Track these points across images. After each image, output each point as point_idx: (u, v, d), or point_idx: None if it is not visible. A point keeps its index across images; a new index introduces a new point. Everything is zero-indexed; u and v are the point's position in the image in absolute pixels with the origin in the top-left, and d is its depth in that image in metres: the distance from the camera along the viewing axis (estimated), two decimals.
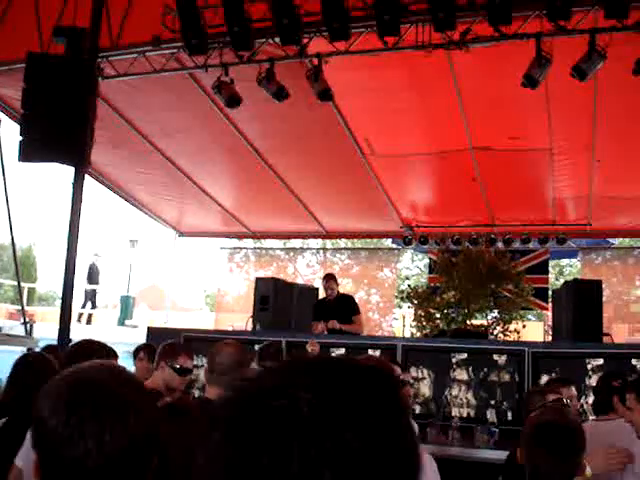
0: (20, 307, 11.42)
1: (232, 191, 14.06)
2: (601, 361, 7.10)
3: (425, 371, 7.70)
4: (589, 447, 2.98)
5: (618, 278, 14.09)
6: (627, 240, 16.94)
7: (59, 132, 7.71)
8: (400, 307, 17.13)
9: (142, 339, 8.83)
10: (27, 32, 8.44)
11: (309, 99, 8.39)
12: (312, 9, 7.43)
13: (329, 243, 18.69)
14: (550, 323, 10.50)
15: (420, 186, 12.89)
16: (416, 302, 11.03)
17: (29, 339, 10.19)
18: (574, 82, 7.16)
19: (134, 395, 1.34)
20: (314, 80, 7.95)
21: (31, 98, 7.81)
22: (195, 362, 8.14)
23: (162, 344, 4.71)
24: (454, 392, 7.57)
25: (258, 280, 10.44)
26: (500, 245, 13.10)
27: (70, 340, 7.99)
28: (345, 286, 14.86)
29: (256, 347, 6.90)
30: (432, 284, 13.20)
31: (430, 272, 14.90)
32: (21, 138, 7.79)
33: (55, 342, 7.92)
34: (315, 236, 15.93)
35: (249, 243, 17.33)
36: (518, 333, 10.55)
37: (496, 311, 11.10)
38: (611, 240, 14.71)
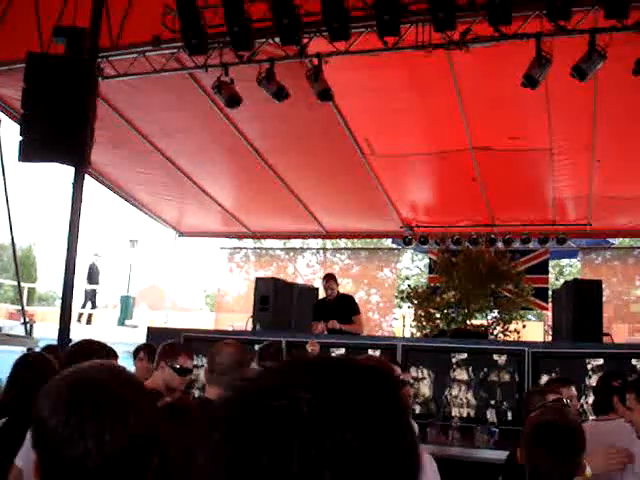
0: (20, 307, 11.42)
1: (232, 191, 14.06)
2: (601, 361, 7.11)
3: (425, 371, 7.70)
4: (589, 447, 2.97)
5: (618, 278, 14.09)
6: (627, 240, 16.94)
7: (59, 132, 7.71)
8: (400, 307, 17.13)
9: (142, 339, 8.83)
10: (27, 32, 8.45)
11: (309, 99, 8.39)
12: (312, 9, 7.43)
13: (329, 243, 18.71)
14: (550, 323, 10.50)
15: (420, 186, 12.90)
16: (416, 302, 11.03)
17: (29, 339, 10.19)
18: (574, 82, 7.16)
19: (134, 395, 1.34)
20: (314, 80, 7.96)
21: (31, 98, 7.81)
22: (195, 362, 8.15)
23: (162, 344, 4.71)
24: (454, 392, 7.57)
25: (258, 280, 10.44)
26: (500, 245, 13.10)
27: (70, 340, 7.99)
28: (345, 286, 14.86)
29: (256, 347, 6.91)
30: (432, 284, 13.20)
31: (430, 272, 14.90)
32: (21, 138, 7.80)
33: (55, 342, 7.92)
34: (315, 236, 15.94)
35: (249, 243, 17.34)
36: (518, 333, 10.55)
37: (496, 311, 11.10)
38: (611, 240, 14.71)
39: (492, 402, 7.40)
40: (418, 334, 10.86)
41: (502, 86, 8.58)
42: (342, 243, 20.19)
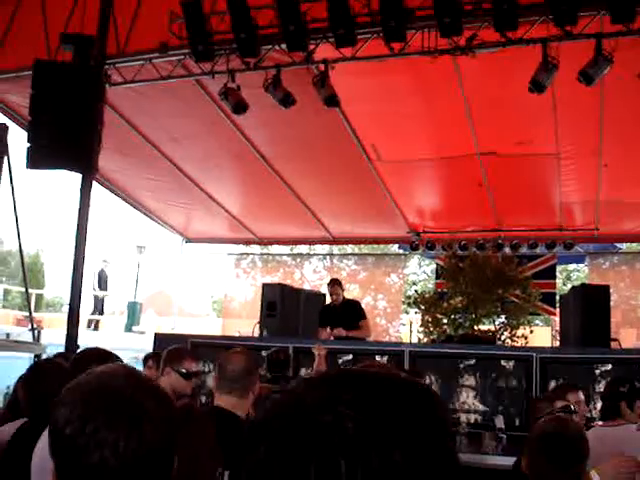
0: (28, 313, 11.43)
1: (239, 197, 14.08)
2: (609, 366, 7.08)
3: (432, 377, 7.69)
4: (597, 452, 2.97)
5: (626, 283, 14.04)
6: (634, 245, 16.86)
7: (66, 139, 7.74)
8: (407, 313, 17.12)
9: (149, 345, 8.84)
10: (35, 39, 8.50)
11: (315, 105, 8.40)
12: (318, 15, 7.45)
13: (336, 249, 18.67)
14: (558, 328, 10.47)
15: (427, 191, 12.89)
16: (423, 307, 11.02)
17: (37, 345, 10.19)
18: (581, 87, 7.15)
19: (149, 401, 1.33)
20: (320, 86, 7.97)
21: (39, 105, 7.84)
22: (202, 368, 8.17)
23: (166, 350, 4.71)
24: (462, 398, 7.56)
25: (265, 286, 10.44)
26: (507, 250, 13.07)
27: (78, 346, 8.01)
28: (352, 292, 14.85)
29: (263, 353, 6.90)
30: (439, 289, 13.19)
31: (437, 277, 14.88)
32: (29, 145, 7.83)
33: (64, 349, 7.94)
34: (322, 242, 15.93)
35: (256, 249, 17.34)
36: (526, 338, 10.53)
37: (503, 316, 11.07)
38: (618, 245, 14.66)
39: (500, 408, 7.38)
40: (425, 340, 10.85)
41: (508, 91, 8.58)
42: (349, 249, 20.12)
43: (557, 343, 10.64)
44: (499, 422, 6.97)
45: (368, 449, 0.78)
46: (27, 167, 7.85)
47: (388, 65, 8.16)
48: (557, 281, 15.08)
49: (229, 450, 2.90)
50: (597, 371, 7.09)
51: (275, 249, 17.36)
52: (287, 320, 9.72)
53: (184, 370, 4.42)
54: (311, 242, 16.42)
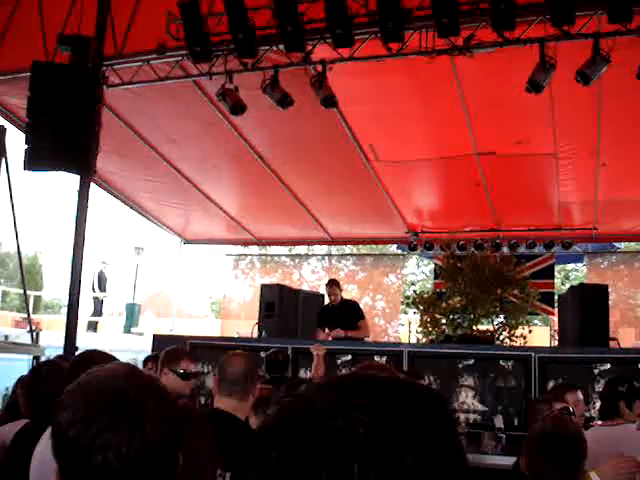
0: (26, 315, 11.43)
1: (237, 198, 14.08)
2: (608, 366, 7.09)
3: (431, 377, 7.69)
4: (596, 452, 2.97)
5: (624, 282, 14.05)
6: (633, 244, 16.88)
7: (64, 140, 7.74)
8: (406, 313, 17.14)
9: (148, 347, 8.83)
10: (32, 41, 8.48)
11: (313, 106, 8.40)
12: (316, 16, 7.45)
13: (334, 249, 18.70)
14: (556, 328, 10.48)
15: (425, 192, 12.89)
16: (422, 308, 11.02)
17: (35, 347, 10.20)
18: (578, 87, 7.16)
19: (151, 402, 1.32)
20: (318, 87, 7.97)
21: (36, 107, 7.84)
22: (200, 369, 8.16)
23: (164, 351, 4.71)
24: (461, 398, 7.56)
25: (263, 287, 10.45)
26: (505, 250, 13.07)
27: (76, 348, 8.00)
28: (350, 292, 14.85)
29: (262, 354, 6.90)
30: (438, 289, 13.18)
31: (436, 277, 14.88)
32: (26, 147, 7.83)
33: (62, 351, 7.94)
34: (320, 242, 15.93)
35: (254, 250, 17.34)
36: (524, 338, 10.53)
37: (502, 316, 11.07)
38: (617, 244, 14.67)
39: (499, 408, 7.39)
40: (424, 340, 10.85)
41: (506, 91, 8.58)
42: (347, 249, 20.16)
43: (556, 343, 10.65)
44: (498, 422, 6.97)
45: (380, 453, 0.78)
46: (25, 169, 7.84)
47: (386, 65, 8.16)
48: (555, 281, 15.08)
49: (230, 452, 2.90)
50: (596, 370, 7.10)
51: (273, 250, 17.36)
52: (286, 321, 9.72)
53: (182, 370, 4.42)
54: (309, 243, 16.43)
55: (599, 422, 4.81)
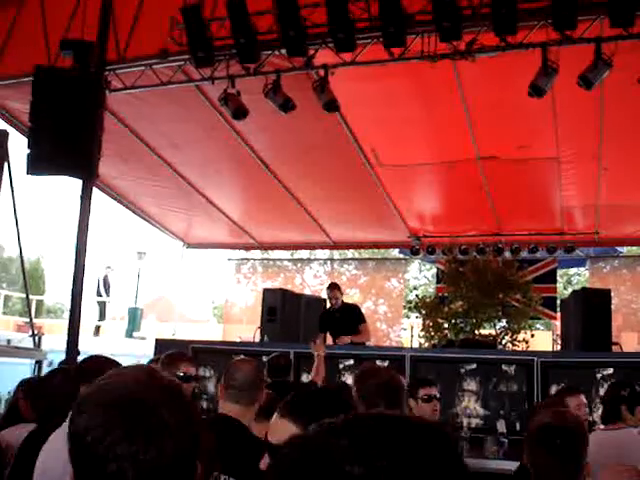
0: (28, 319, 11.45)
1: (239, 202, 14.09)
2: (611, 370, 7.07)
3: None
4: (598, 456, 2.96)
5: (626, 286, 14.04)
6: (635, 248, 16.89)
7: (67, 145, 7.75)
8: (408, 317, 17.09)
9: (150, 351, 8.84)
10: (35, 45, 8.50)
11: (315, 110, 8.40)
12: (318, 21, 7.45)
13: (336, 254, 18.68)
14: (559, 332, 10.46)
15: (427, 196, 12.89)
16: (424, 312, 11.01)
17: (37, 351, 10.20)
18: (580, 91, 7.15)
19: (170, 411, 1.30)
20: (320, 91, 7.97)
21: (39, 111, 7.85)
22: (202, 373, 8.16)
23: (164, 354, 4.72)
24: (463, 402, 7.55)
25: (266, 291, 10.44)
26: (508, 254, 13.06)
27: (79, 352, 8.01)
28: (353, 296, 14.86)
29: (264, 358, 6.89)
30: (440, 294, 13.18)
31: (438, 282, 14.89)
32: (29, 151, 7.84)
33: (64, 355, 7.95)
34: (322, 247, 15.93)
35: (256, 254, 17.34)
36: (527, 343, 10.52)
37: (504, 321, 11.07)
38: (619, 248, 14.67)
39: (501, 412, 7.37)
40: (426, 344, 10.84)
41: (508, 96, 8.59)
42: (349, 253, 20.15)
43: (558, 347, 10.63)
44: (500, 426, 6.96)
45: None
46: (27, 173, 7.86)
47: (388, 70, 8.16)
48: (558, 285, 15.09)
49: (235, 457, 2.90)
50: (598, 375, 7.09)
51: (275, 254, 17.37)
52: (288, 325, 9.72)
53: (182, 374, 4.42)
54: (312, 247, 16.44)
55: (601, 426, 4.80)
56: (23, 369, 9.89)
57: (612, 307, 8.85)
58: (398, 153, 10.94)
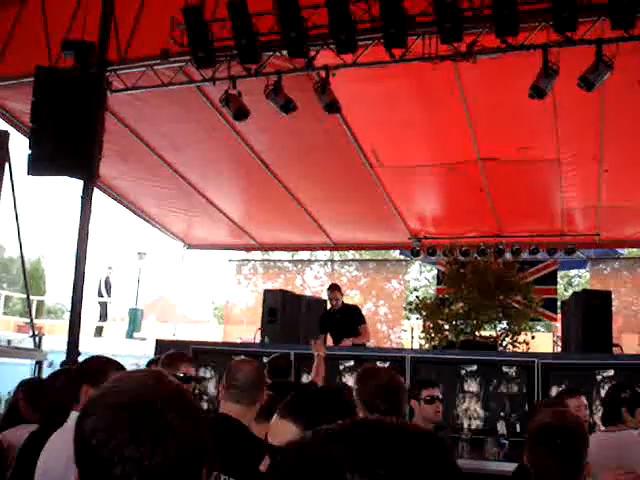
0: (29, 320, 11.45)
1: (240, 203, 14.09)
2: (611, 372, 7.07)
3: None
4: (599, 458, 2.96)
5: (627, 288, 14.03)
6: (635, 250, 16.89)
7: (68, 145, 7.76)
8: (408, 319, 17.10)
9: (150, 351, 8.83)
10: (36, 46, 8.51)
11: (316, 111, 8.41)
12: (319, 22, 7.46)
13: (337, 255, 18.69)
14: (559, 334, 10.45)
15: (428, 197, 12.89)
16: (424, 313, 11.00)
17: (38, 352, 10.20)
18: (581, 93, 7.15)
19: (177, 415, 1.29)
20: (321, 92, 7.97)
21: (40, 112, 7.86)
22: (202, 374, 8.16)
23: (164, 355, 4.72)
24: (463, 404, 7.54)
25: (266, 292, 10.44)
26: (508, 256, 13.05)
27: (79, 353, 8.01)
28: (353, 298, 14.85)
29: (264, 359, 6.89)
30: (440, 295, 13.16)
31: (438, 283, 14.88)
32: (30, 151, 7.84)
33: (65, 356, 7.95)
34: (323, 248, 15.93)
35: (257, 255, 17.35)
36: (527, 344, 10.51)
37: (505, 322, 11.06)
38: (620, 250, 14.66)
39: (502, 414, 7.37)
40: (427, 346, 10.83)
41: (509, 97, 8.59)
42: (350, 255, 20.15)
43: (558, 349, 10.63)
44: (501, 428, 6.95)
45: None
46: (28, 174, 7.86)
47: (389, 71, 8.17)
48: (558, 287, 15.09)
49: (235, 458, 2.90)
50: (599, 377, 7.08)
51: (276, 255, 17.38)
52: (288, 326, 9.72)
53: (181, 374, 4.42)
54: (312, 248, 16.43)
55: (602, 428, 4.80)
56: (23, 369, 9.90)
57: (613, 309, 8.85)
58: (399, 154, 10.94)
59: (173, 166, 11.86)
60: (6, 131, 9.74)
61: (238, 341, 11.66)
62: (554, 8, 6.57)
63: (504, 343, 10.61)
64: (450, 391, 7.58)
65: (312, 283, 16.61)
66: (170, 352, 4.76)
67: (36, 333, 10.71)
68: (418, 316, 11.46)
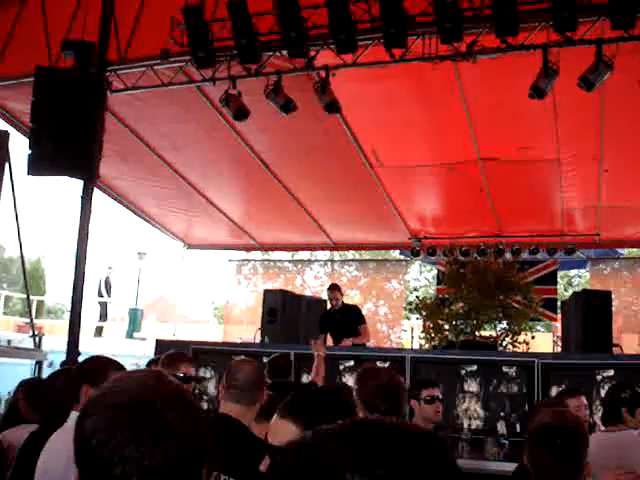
0: (29, 320, 11.45)
1: (240, 203, 14.09)
2: (612, 372, 7.07)
3: None
4: (599, 458, 2.96)
5: (627, 288, 14.04)
6: (635, 250, 16.89)
7: (68, 145, 7.76)
8: (408, 319, 17.10)
9: (150, 351, 8.83)
10: (36, 46, 8.51)
11: (316, 111, 8.41)
12: (319, 22, 7.46)
13: (337, 255, 18.69)
14: (559, 334, 10.45)
15: (428, 197, 12.89)
16: (424, 314, 11.00)
17: (38, 352, 10.20)
18: (581, 93, 7.16)
19: (178, 416, 1.29)
20: (321, 92, 7.97)
21: (40, 112, 7.86)
22: (203, 374, 8.16)
23: (163, 355, 4.72)
24: (463, 404, 7.54)
25: (266, 292, 10.44)
26: (508, 256, 13.05)
27: (79, 353, 8.01)
28: (353, 298, 14.85)
29: (264, 359, 6.89)
30: (440, 295, 13.16)
31: (438, 283, 14.88)
32: (30, 151, 7.84)
33: (65, 356, 7.95)
34: (323, 248, 15.93)
35: (257, 255, 17.35)
36: (527, 344, 10.51)
37: (505, 322, 11.05)
38: (620, 250, 14.66)
39: (502, 414, 7.37)
40: (427, 346, 10.83)
41: (509, 97, 8.59)
42: (350, 255, 20.15)
43: (558, 349, 10.63)
44: (501, 428, 6.95)
45: None
46: (28, 174, 7.86)
47: (389, 71, 8.17)
48: (558, 287, 15.09)
49: (235, 458, 2.90)
50: (599, 377, 7.08)
51: (276, 255, 17.38)
52: (288, 326, 9.71)
53: (181, 374, 4.42)
54: (312, 248, 16.44)
55: (602, 428, 4.80)
56: (23, 369, 9.90)
57: (612, 309, 8.85)
58: (399, 154, 10.94)
59: (173, 166, 11.86)
60: (6, 131, 9.74)
61: (238, 341, 11.66)
62: (554, 8, 6.57)
63: (504, 343, 10.60)
64: (450, 391, 7.57)
65: (312, 283, 16.61)
66: (170, 352, 4.75)
67: (36, 333, 10.71)
68: (418, 316, 11.46)
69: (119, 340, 18.04)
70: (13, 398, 4.66)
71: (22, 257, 10.95)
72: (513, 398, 7.38)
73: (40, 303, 24.49)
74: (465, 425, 7.44)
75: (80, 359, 6.53)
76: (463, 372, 7.60)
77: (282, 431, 2.01)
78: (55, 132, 7.76)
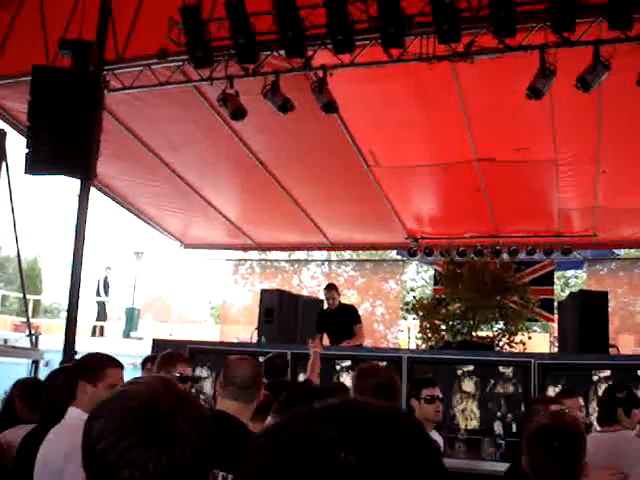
0: (25, 319, 11.44)
1: (237, 203, 14.08)
2: (608, 372, 7.07)
3: None
4: (594, 458, 2.96)
5: (624, 289, 14.06)
6: (632, 251, 16.90)
7: (65, 145, 7.75)
8: (405, 319, 17.11)
9: (147, 351, 8.81)
10: (33, 45, 8.51)
11: (314, 111, 8.41)
12: (317, 21, 7.46)
13: (334, 255, 18.69)
14: (556, 334, 10.46)
15: (425, 197, 12.90)
16: (421, 314, 11.00)
17: (34, 351, 10.19)
18: (579, 93, 7.16)
19: (185, 421, 1.30)
20: (319, 92, 7.97)
21: (37, 111, 7.85)
22: (199, 373, 8.15)
23: (160, 354, 4.72)
24: (460, 404, 7.54)
25: (263, 292, 10.43)
26: (505, 256, 13.07)
27: (75, 352, 8.00)
28: (350, 298, 14.85)
29: (261, 359, 6.89)
30: (437, 295, 13.16)
31: (435, 283, 14.89)
32: (27, 151, 7.84)
33: (62, 355, 7.94)
34: (320, 248, 15.94)
35: (254, 255, 17.34)
36: (524, 344, 10.51)
37: (502, 322, 11.05)
38: (616, 251, 14.68)
39: (498, 414, 7.37)
40: (423, 346, 10.83)
41: (506, 98, 8.60)
42: (347, 255, 20.13)
43: (555, 349, 10.64)
44: (497, 428, 6.96)
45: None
46: (25, 173, 7.85)
47: (386, 71, 8.16)
48: (555, 287, 15.09)
49: (234, 455, 2.90)
50: (595, 377, 7.08)
51: (273, 255, 17.37)
52: (285, 326, 9.71)
53: (178, 374, 4.42)
54: (309, 248, 16.43)
55: (598, 428, 4.81)
56: (20, 369, 9.88)
57: (609, 309, 8.84)
58: (396, 154, 10.94)
59: (171, 166, 11.85)
60: (3, 130, 9.74)
61: (235, 341, 11.65)
62: (552, 9, 6.58)
63: (501, 343, 10.60)
64: (447, 391, 7.57)
65: (309, 283, 16.61)
66: (166, 352, 4.75)
67: (33, 332, 10.70)
68: (415, 316, 11.47)
69: (116, 340, 18.02)
70: (8, 397, 4.66)
71: (19, 256, 10.94)
72: (510, 398, 7.38)
73: (37, 302, 24.42)
74: (462, 425, 7.44)
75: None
76: (460, 372, 7.60)
77: None
78: (52, 131, 7.76)
